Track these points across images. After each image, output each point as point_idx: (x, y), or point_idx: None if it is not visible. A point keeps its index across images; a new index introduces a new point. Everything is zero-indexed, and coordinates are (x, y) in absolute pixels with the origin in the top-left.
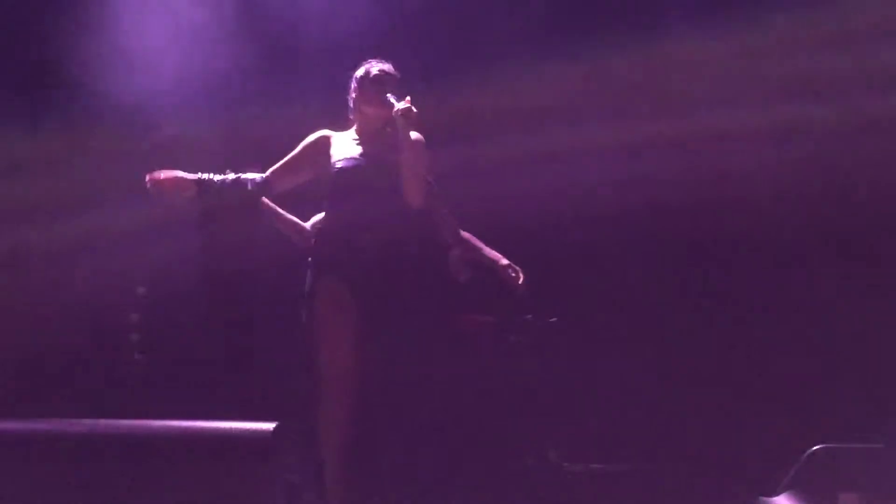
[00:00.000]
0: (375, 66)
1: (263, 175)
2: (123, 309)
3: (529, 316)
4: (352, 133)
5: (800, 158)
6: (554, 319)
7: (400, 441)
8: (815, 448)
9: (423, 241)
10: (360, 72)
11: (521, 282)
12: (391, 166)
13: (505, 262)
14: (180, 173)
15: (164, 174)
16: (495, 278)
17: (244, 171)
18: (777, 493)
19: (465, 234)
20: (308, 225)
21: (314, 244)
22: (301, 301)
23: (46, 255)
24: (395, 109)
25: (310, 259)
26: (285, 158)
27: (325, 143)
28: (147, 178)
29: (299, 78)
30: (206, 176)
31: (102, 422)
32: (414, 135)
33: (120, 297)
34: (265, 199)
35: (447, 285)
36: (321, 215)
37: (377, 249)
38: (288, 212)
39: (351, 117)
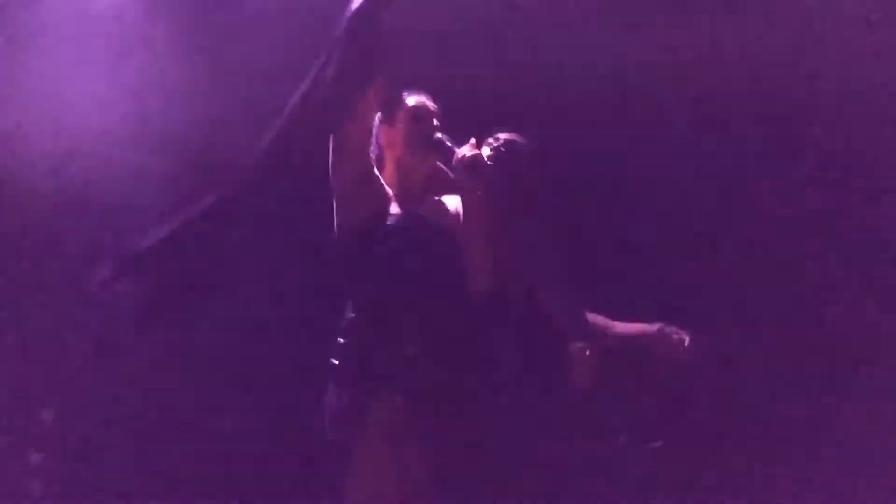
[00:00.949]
0: (411, 98)
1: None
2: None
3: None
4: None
5: None
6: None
7: None
8: None
9: (499, 340)
10: (387, 108)
11: (686, 345)
12: (447, 235)
13: (655, 326)
14: None
15: None
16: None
17: None
18: None
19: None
20: None
21: (342, 345)
22: (329, 428)
23: None
24: (458, 157)
25: (336, 367)
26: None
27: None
28: None
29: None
30: None
31: None
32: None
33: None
34: None
35: (543, 401)
36: None
37: (439, 358)
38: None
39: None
